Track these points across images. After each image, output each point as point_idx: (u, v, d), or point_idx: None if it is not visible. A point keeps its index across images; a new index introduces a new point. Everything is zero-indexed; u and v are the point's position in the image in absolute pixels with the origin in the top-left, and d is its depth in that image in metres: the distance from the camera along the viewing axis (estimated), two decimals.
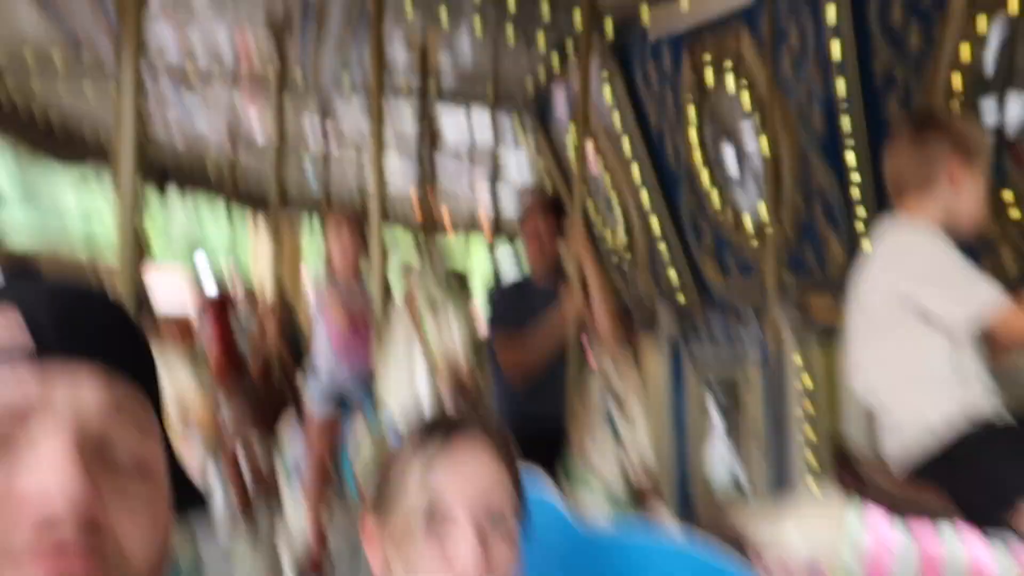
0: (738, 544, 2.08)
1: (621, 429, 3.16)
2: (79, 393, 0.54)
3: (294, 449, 3.78)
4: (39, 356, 0.54)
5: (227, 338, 5.46)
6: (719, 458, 4.42)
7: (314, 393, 3.68)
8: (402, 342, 2.92)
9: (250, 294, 5.84)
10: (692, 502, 4.35)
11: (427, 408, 2.81)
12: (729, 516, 2.16)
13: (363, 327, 3.58)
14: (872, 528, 1.85)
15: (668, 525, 3.12)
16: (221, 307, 5.66)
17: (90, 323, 0.58)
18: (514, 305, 3.26)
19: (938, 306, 1.85)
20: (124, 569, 0.53)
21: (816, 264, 3.67)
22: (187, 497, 0.65)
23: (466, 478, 0.98)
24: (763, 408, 3.94)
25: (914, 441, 1.87)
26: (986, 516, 1.74)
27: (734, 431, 4.20)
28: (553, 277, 3.22)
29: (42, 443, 0.51)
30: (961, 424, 1.82)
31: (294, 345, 4.70)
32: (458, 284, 2.97)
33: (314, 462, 3.48)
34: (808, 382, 3.65)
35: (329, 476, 3.43)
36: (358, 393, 3.50)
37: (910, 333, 1.91)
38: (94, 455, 0.52)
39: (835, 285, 2.70)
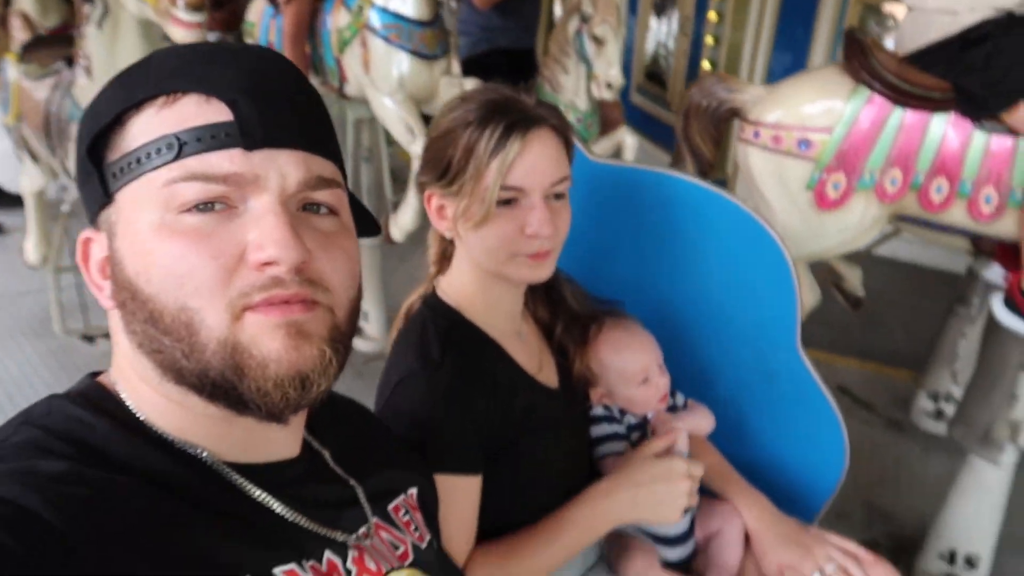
0: (731, 114, 2.17)
1: (591, 55, 3.10)
2: (283, 171, 0.66)
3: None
4: (250, 149, 0.64)
5: None
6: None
7: None
8: None
9: None
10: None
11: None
12: (723, 87, 2.20)
13: None
14: (869, 112, 1.94)
15: (631, 146, 3.24)
16: None
17: (290, 119, 0.67)
18: None
19: None
20: (330, 300, 0.68)
21: None
22: (365, 227, 0.81)
23: (542, 171, 1.12)
24: None
25: (935, 29, 1.86)
26: (986, 108, 1.82)
27: None
28: None
29: (259, 209, 0.64)
30: (988, 13, 1.80)
31: None
32: None
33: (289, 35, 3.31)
34: None
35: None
36: None
37: None
38: (298, 216, 0.67)
39: None
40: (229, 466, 0.69)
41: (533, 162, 1.11)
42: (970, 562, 2.19)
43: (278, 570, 0.66)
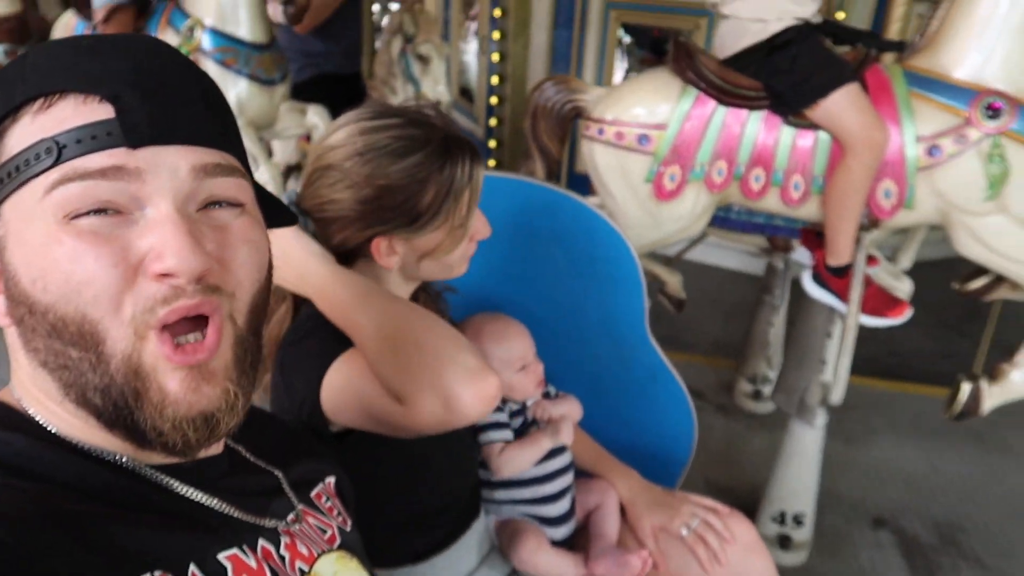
0: (575, 115, 2.32)
1: (417, 75, 3.22)
2: (173, 166, 0.62)
3: None
4: (135, 147, 0.61)
5: None
6: None
7: None
8: None
9: None
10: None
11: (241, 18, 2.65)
12: (566, 88, 2.35)
13: None
14: (698, 109, 2.16)
15: None
16: None
17: (180, 112, 0.64)
18: None
19: None
20: (231, 305, 0.66)
21: None
22: (277, 216, 0.80)
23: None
24: None
25: (749, 36, 2.12)
26: (792, 106, 2.10)
27: None
28: None
29: (155, 216, 0.61)
30: (791, 23, 2.09)
31: None
32: None
33: None
34: None
35: None
36: None
37: None
38: (198, 216, 0.64)
39: None
40: (152, 468, 0.68)
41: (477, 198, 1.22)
42: (798, 520, 2.47)
43: (222, 556, 0.67)
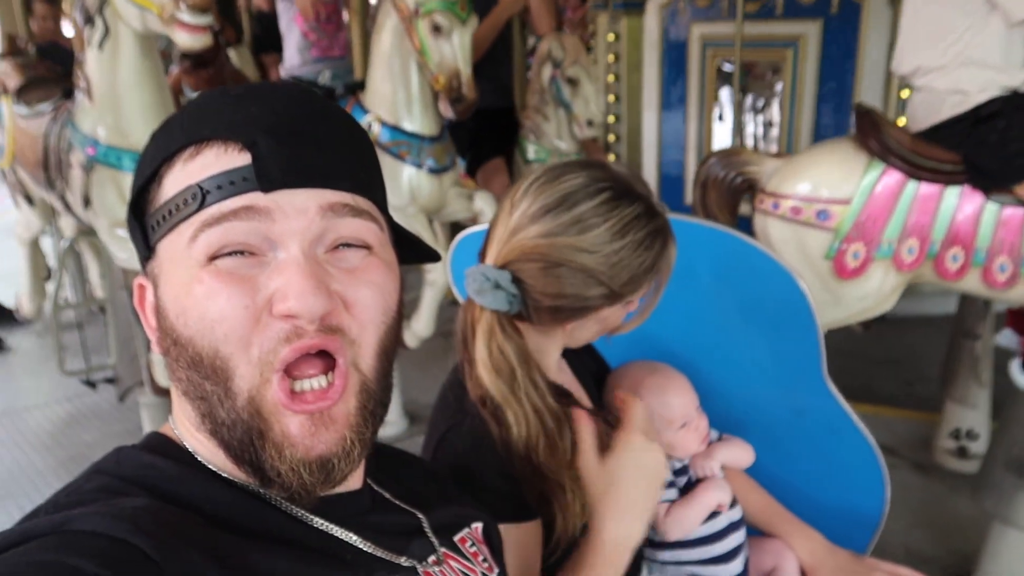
0: (747, 186, 2.24)
1: (568, 98, 3.23)
2: (302, 207, 0.65)
3: None
4: (267, 191, 0.64)
5: None
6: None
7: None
8: (392, 45, 2.76)
9: None
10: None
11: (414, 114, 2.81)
12: (739, 159, 2.28)
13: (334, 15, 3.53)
14: (885, 184, 2.02)
15: None
16: None
17: (314, 156, 0.66)
18: None
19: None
20: (354, 352, 0.67)
21: None
22: (419, 255, 0.83)
23: None
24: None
25: (947, 108, 1.96)
26: (999, 181, 1.91)
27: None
28: None
29: (283, 258, 0.64)
30: (997, 93, 1.91)
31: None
32: None
33: None
34: None
35: None
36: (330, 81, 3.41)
37: (974, 16, 1.92)
38: (325, 258, 0.66)
39: None
40: (290, 501, 0.69)
41: None
42: None
43: None
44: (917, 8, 2.03)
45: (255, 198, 0.63)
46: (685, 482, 1.38)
